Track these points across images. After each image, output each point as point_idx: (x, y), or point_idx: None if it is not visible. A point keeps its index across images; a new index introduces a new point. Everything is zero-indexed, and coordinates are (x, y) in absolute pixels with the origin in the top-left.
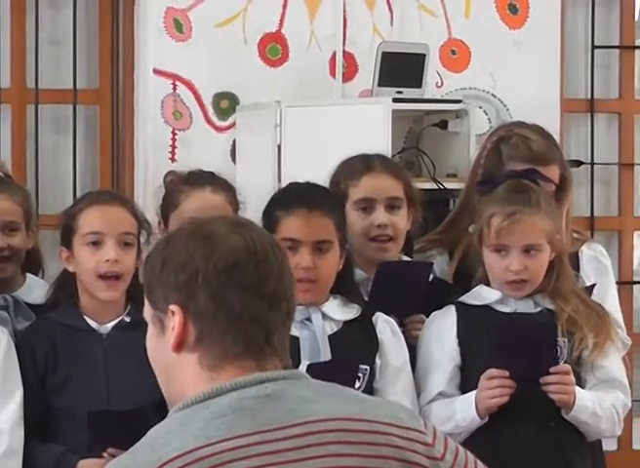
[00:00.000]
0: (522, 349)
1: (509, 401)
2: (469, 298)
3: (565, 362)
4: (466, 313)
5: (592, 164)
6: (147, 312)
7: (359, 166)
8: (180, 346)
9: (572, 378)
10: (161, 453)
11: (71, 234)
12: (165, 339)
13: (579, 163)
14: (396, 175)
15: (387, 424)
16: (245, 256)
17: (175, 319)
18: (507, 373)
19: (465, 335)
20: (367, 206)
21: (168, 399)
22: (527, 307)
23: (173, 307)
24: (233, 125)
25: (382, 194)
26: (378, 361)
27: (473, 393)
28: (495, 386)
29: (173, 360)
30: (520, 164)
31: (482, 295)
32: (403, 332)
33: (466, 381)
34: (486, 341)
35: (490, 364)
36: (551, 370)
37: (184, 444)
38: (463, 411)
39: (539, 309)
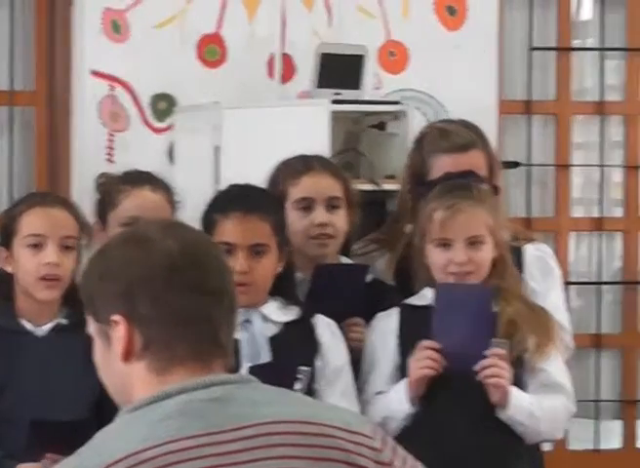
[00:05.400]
0: (458, 316)
1: (447, 394)
2: (414, 299)
3: None
4: (409, 314)
5: (529, 165)
6: (92, 327)
7: (299, 166)
8: (128, 355)
9: (506, 365)
10: (106, 455)
11: (11, 235)
12: (113, 351)
13: (516, 164)
14: (336, 175)
15: (336, 428)
16: (181, 257)
17: (119, 328)
18: (438, 346)
19: (406, 336)
20: (307, 205)
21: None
22: None
23: (115, 317)
24: (171, 126)
25: (322, 194)
26: (318, 362)
27: (404, 379)
28: (424, 357)
29: (123, 370)
30: (440, 155)
31: (426, 296)
32: None
33: None
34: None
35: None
36: (486, 352)
37: (130, 445)
38: (396, 396)
39: None
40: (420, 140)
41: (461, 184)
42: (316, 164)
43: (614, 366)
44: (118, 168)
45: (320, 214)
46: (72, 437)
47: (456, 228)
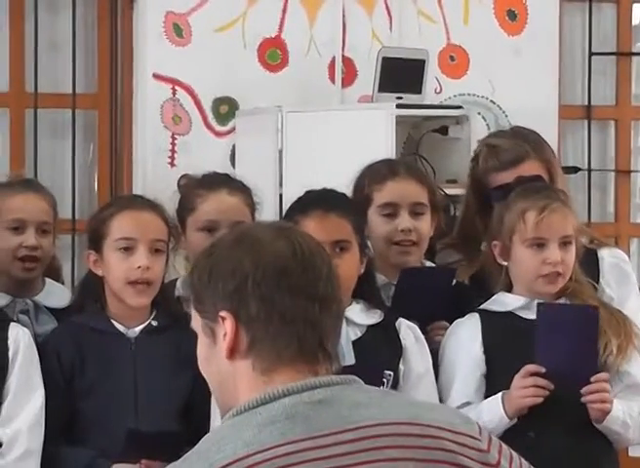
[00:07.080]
0: (564, 337)
1: (540, 405)
2: (492, 305)
3: None
4: (490, 320)
5: (589, 170)
6: (197, 322)
7: (384, 171)
8: (232, 353)
9: (610, 388)
10: (212, 461)
11: (101, 238)
12: (217, 348)
13: (575, 169)
14: (421, 180)
15: (440, 428)
16: (293, 260)
17: (226, 325)
18: (543, 370)
19: (491, 343)
20: (391, 211)
21: (220, 406)
22: None
23: (223, 314)
24: (233, 130)
25: (407, 199)
26: (401, 366)
27: (500, 393)
28: (529, 385)
29: (226, 367)
30: (493, 173)
31: (505, 302)
32: (426, 339)
33: (492, 390)
34: (511, 348)
35: (523, 361)
36: (592, 379)
37: (236, 451)
38: (490, 413)
39: None
40: (475, 159)
41: (543, 186)
42: (401, 169)
43: None
44: (180, 171)
45: (404, 221)
46: (166, 447)
47: (551, 228)
